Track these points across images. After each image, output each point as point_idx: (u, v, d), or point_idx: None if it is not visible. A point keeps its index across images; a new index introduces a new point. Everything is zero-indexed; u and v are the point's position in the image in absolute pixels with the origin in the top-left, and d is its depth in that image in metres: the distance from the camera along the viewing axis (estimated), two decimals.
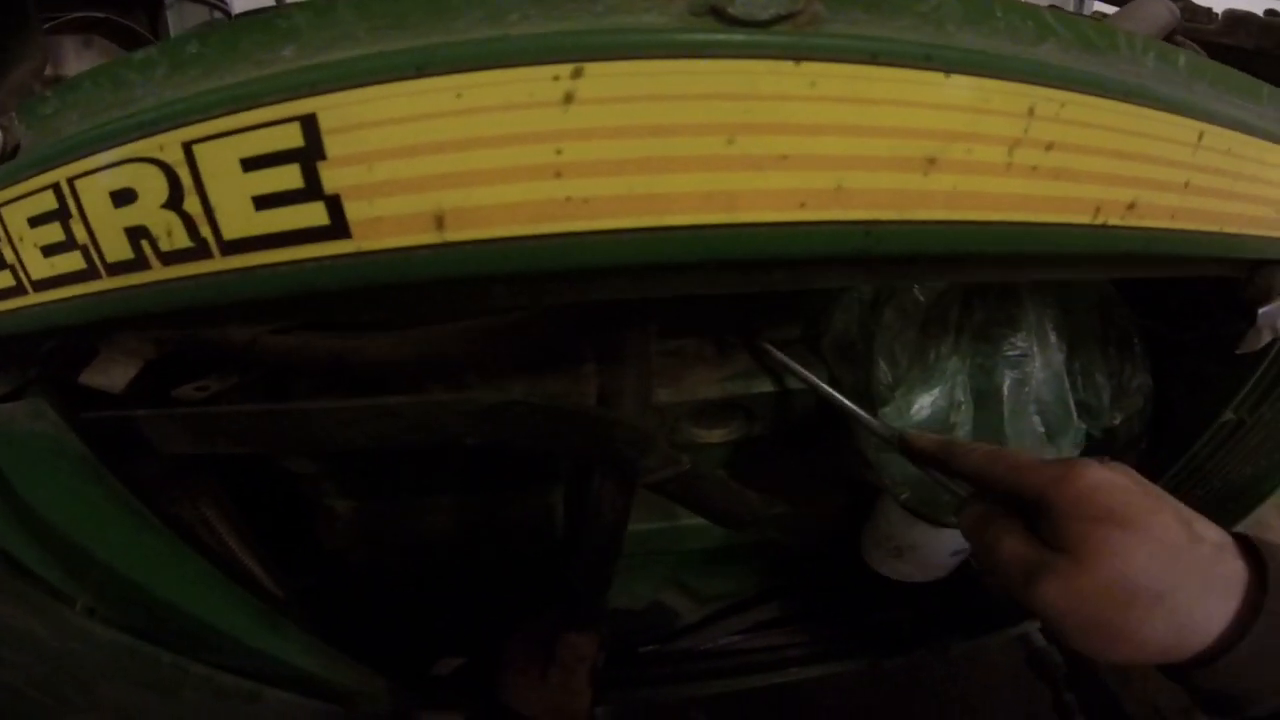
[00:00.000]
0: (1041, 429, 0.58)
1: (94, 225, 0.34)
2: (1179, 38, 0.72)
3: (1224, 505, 0.70)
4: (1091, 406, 0.61)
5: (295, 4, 0.33)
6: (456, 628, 0.75)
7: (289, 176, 0.31)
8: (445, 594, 0.76)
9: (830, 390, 0.57)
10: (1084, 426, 0.59)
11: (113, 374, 0.48)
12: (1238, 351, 0.55)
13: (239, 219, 0.32)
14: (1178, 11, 0.70)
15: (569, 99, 0.29)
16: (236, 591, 0.55)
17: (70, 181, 0.34)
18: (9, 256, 0.38)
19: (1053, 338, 0.59)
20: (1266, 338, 0.54)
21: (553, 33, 0.29)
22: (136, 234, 0.34)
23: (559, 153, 0.30)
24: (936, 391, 0.57)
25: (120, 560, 0.48)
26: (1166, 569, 0.36)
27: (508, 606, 0.71)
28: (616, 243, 0.31)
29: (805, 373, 0.58)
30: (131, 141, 0.32)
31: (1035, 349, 0.58)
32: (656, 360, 0.60)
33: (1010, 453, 0.45)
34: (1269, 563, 0.37)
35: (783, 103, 0.29)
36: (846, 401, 0.56)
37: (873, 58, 0.30)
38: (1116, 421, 0.61)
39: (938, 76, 0.31)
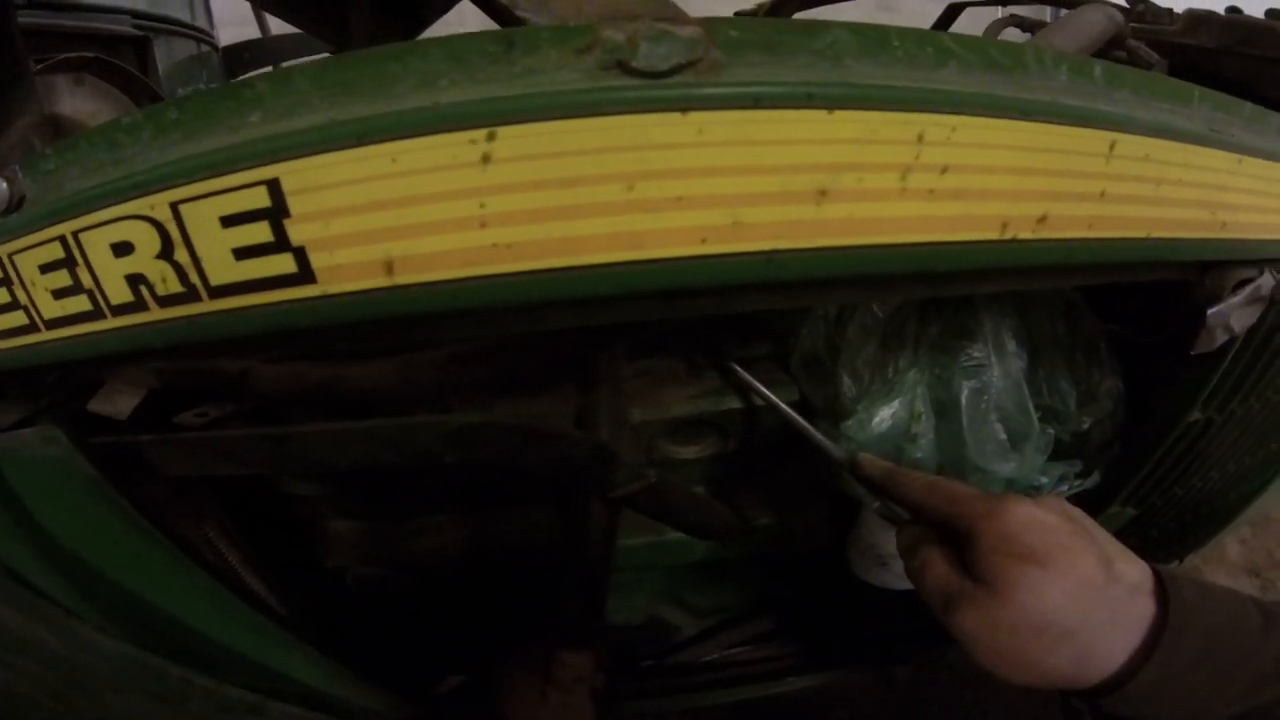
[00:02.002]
0: (1004, 436, 0.61)
1: (98, 272, 0.40)
2: (1131, 42, 0.75)
3: (1194, 516, 0.72)
4: (1058, 412, 0.64)
5: (259, 74, 0.38)
6: (457, 645, 0.80)
7: (261, 232, 0.36)
8: (445, 611, 0.80)
9: (788, 410, 0.61)
10: (1050, 432, 0.62)
11: (118, 402, 0.53)
12: (1192, 352, 0.57)
13: (222, 268, 0.37)
14: (1120, 19, 0.73)
15: (486, 159, 0.33)
16: (240, 608, 0.59)
17: (75, 235, 0.39)
18: (22, 299, 0.43)
19: (1011, 346, 0.62)
20: (1220, 338, 0.57)
21: (468, 101, 0.33)
22: (135, 280, 0.39)
23: (482, 206, 0.34)
24: (896, 404, 0.60)
25: (128, 578, 0.53)
26: (1077, 607, 0.40)
27: (508, 624, 0.75)
28: (540, 281, 0.35)
29: (766, 392, 0.62)
30: (127, 201, 0.37)
31: (993, 358, 0.61)
32: (629, 380, 0.64)
33: (948, 484, 0.48)
34: (1173, 600, 0.40)
35: (673, 150, 0.33)
36: (802, 421, 0.60)
37: (755, 102, 0.33)
38: (1085, 426, 0.64)
39: (820, 114, 0.35)
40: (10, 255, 0.42)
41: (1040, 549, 0.41)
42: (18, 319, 0.44)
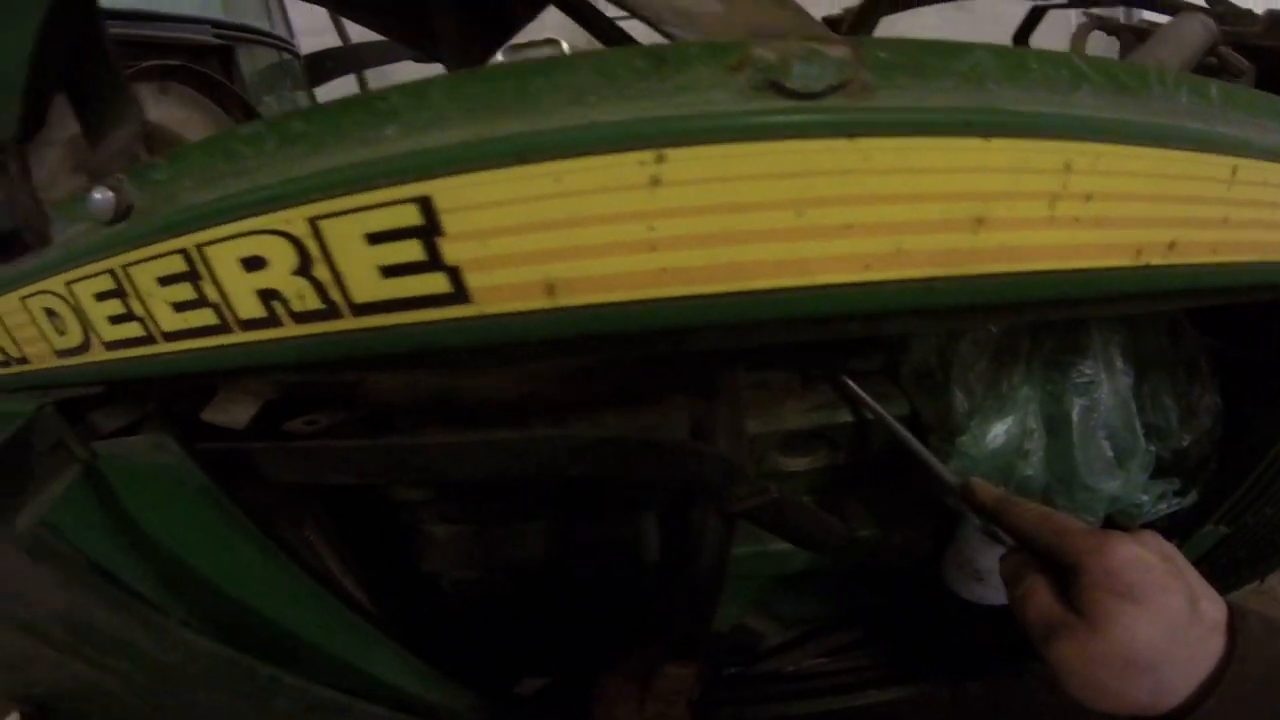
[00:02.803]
0: (1110, 453, 0.64)
1: (226, 287, 0.41)
2: (1222, 48, 0.78)
3: None
4: (1160, 429, 0.67)
5: (392, 87, 0.39)
6: (548, 649, 0.83)
7: (411, 250, 0.37)
8: (537, 616, 0.84)
9: (902, 430, 0.64)
10: (1153, 449, 0.65)
11: (235, 412, 0.57)
12: None
13: (367, 285, 0.39)
14: (1215, 27, 0.76)
15: (655, 182, 0.35)
16: (336, 610, 0.63)
17: (200, 248, 0.41)
18: (138, 310, 0.45)
19: (1119, 363, 0.65)
20: None
21: (635, 120, 0.35)
22: (268, 295, 0.40)
23: (651, 229, 0.36)
24: (1010, 420, 0.64)
25: (229, 580, 0.56)
26: (1163, 644, 0.45)
27: (599, 631, 0.79)
28: (705, 305, 0.38)
29: (881, 410, 0.65)
30: (259, 215, 0.38)
31: (1103, 375, 0.64)
32: (745, 393, 0.68)
33: (1058, 516, 0.53)
34: (1239, 635, 0.46)
35: (843, 176, 0.36)
36: (916, 442, 0.63)
37: (919, 129, 0.37)
38: (1185, 443, 0.67)
39: (978, 142, 0.37)
40: (125, 267, 0.44)
41: (1139, 587, 0.46)
42: (132, 330, 0.46)
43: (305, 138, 0.41)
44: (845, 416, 0.68)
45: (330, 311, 0.40)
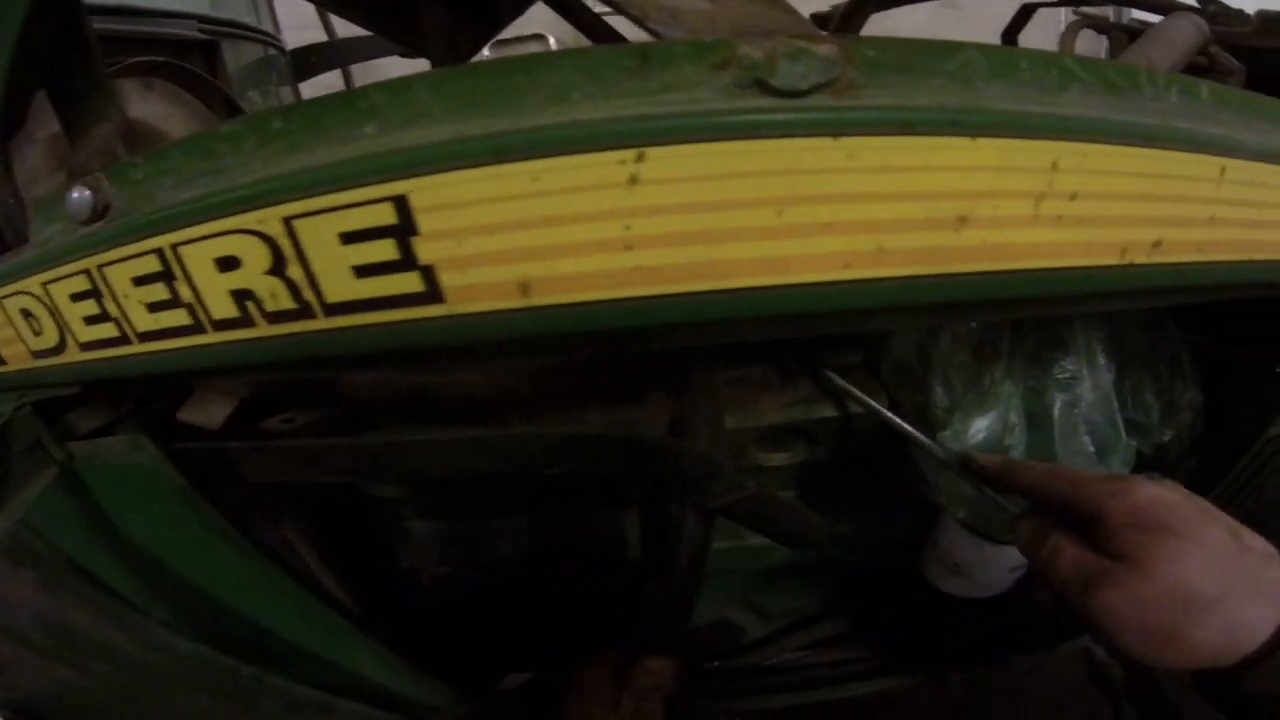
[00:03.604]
0: (1092, 449, 0.63)
1: (199, 287, 0.40)
2: (1212, 48, 0.77)
3: (1264, 524, 0.74)
4: (1141, 424, 0.66)
5: (373, 84, 0.38)
6: (526, 644, 0.82)
7: (385, 249, 0.36)
8: (517, 612, 0.83)
9: (891, 415, 0.63)
10: (1134, 444, 0.64)
11: (210, 412, 0.55)
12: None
13: (340, 285, 0.37)
14: (1206, 27, 0.75)
15: (634, 180, 0.34)
16: (316, 608, 0.61)
17: (174, 248, 0.40)
18: (113, 311, 0.44)
19: (1101, 359, 0.64)
20: None
21: (615, 118, 0.34)
22: (241, 295, 0.39)
23: (628, 228, 0.35)
24: (991, 415, 0.63)
25: (208, 580, 0.54)
26: (1219, 575, 0.41)
27: (579, 625, 0.78)
28: (682, 304, 0.36)
29: (866, 399, 0.64)
30: (233, 215, 0.37)
31: (1084, 371, 0.63)
32: (723, 388, 0.67)
33: (1067, 468, 0.50)
34: None
35: (825, 175, 0.35)
36: (908, 426, 0.62)
37: (905, 128, 0.35)
38: (1166, 438, 0.66)
39: (964, 141, 0.36)
40: (100, 267, 0.43)
41: (1173, 521, 0.43)
42: (107, 330, 0.45)
43: (283, 136, 0.39)
44: (825, 411, 0.67)
45: (303, 311, 0.39)
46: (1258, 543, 0.44)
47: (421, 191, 0.35)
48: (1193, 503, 0.45)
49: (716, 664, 0.88)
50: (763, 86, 0.36)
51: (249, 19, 1.76)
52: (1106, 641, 0.44)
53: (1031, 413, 0.63)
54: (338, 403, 0.61)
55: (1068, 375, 0.63)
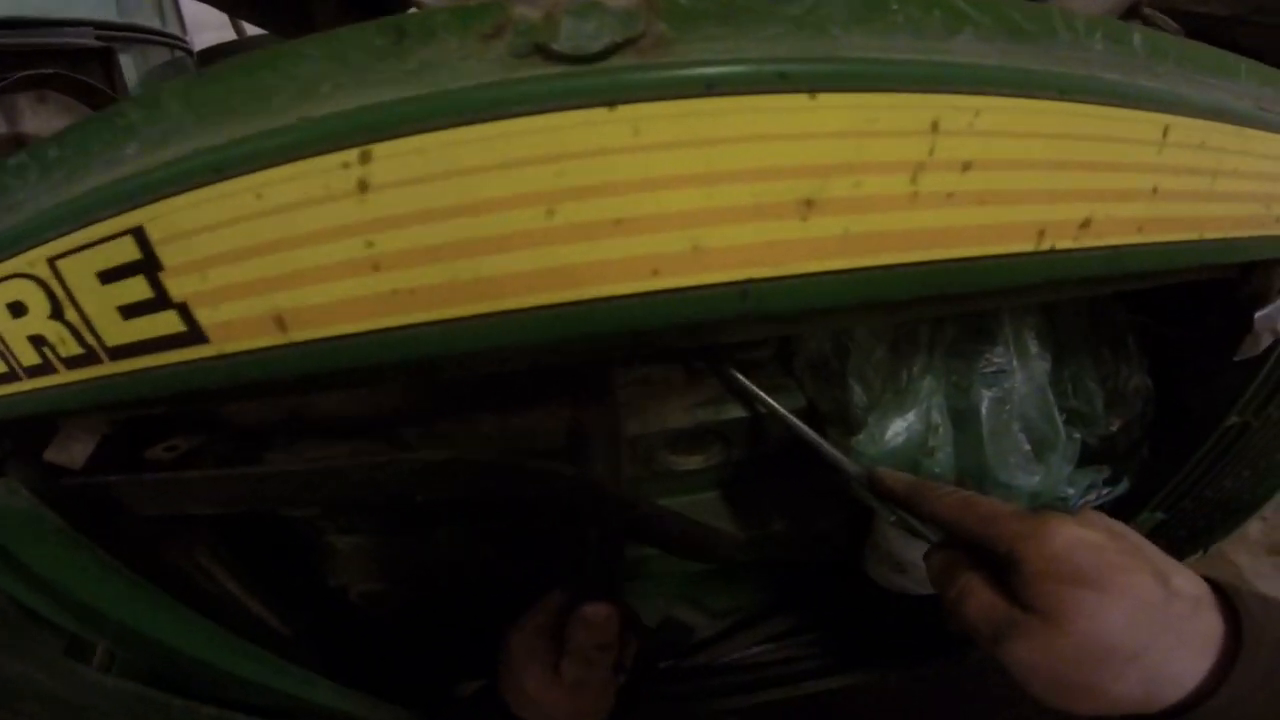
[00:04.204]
0: (1027, 447, 0.46)
1: (4, 334, 0.30)
2: (1146, 10, 0.57)
3: (1223, 513, 0.55)
4: (1085, 414, 0.48)
5: (130, 99, 0.27)
6: (471, 649, 0.67)
7: (140, 287, 0.26)
8: (455, 621, 0.68)
9: (797, 422, 0.47)
10: (1077, 437, 0.47)
11: (72, 451, 0.43)
12: (1236, 357, 0.41)
13: (114, 328, 0.27)
14: None
15: (363, 186, 0.21)
16: (241, 634, 0.49)
17: None
18: None
19: (1034, 348, 0.46)
20: (1266, 341, 0.42)
21: (331, 115, 0.21)
22: (38, 341, 0.29)
23: (370, 245, 0.22)
24: (911, 415, 0.46)
25: (124, 614, 0.43)
26: (1140, 628, 0.31)
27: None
28: (455, 331, 0.23)
29: (772, 403, 0.48)
30: (10, 258, 0.28)
31: (1015, 363, 0.46)
32: (624, 390, 0.51)
33: (982, 501, 0.37)
34: (1244, 617, 0.31)
35: (602, 158, 0.21)
36: (812, 434, 0.46)
37: (707, 87, 0.21)
38: (1114, 428, 0.48)
39: (800, 100, 0.22)
40: None
41: (1091, 570, 0.31)
42: None
43: (60, 164, 0.28)
44: (735, 412, 0.50)
45: (91, 356, 0.28)
46: (1188, 585, 0.32)
47: (155, 221, 0.24)
48: (1118, 543, 0.33)
49: (665, 664, 0.70)
50: (544, 53, 0.22)
51: (154, 22, 1.48)
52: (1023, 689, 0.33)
53: (957, 410, 0.46)
54: (222, 427, 0.48)
55: (994, 369, 0.46)
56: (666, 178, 0.21)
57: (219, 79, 0.26)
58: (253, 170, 0.22)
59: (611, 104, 0.20)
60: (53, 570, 0.41)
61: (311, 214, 0.22)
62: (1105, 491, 0.48)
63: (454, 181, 0.21)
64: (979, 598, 0.34)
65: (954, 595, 0.35)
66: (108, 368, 0.29)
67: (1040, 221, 0.28)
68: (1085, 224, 0.29)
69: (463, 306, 0.23)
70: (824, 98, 0.22)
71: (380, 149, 0.21)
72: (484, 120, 0.20)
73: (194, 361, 0.27)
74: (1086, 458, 0.49)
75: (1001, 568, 0.34)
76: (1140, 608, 0.31)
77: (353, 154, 0.21)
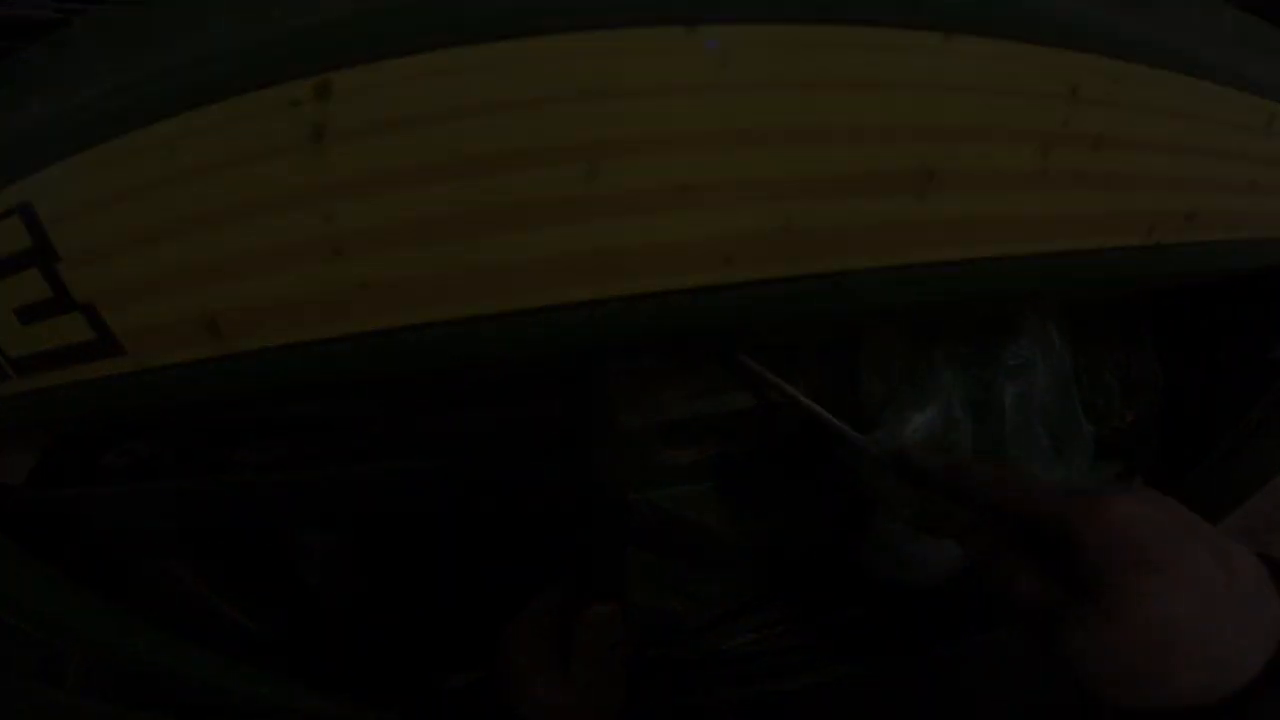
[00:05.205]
0: (1048, 442, 0.42)
1: None
2: None
3: (1244, 489, 0.54)
4: (1100, 408, 0.45)
5: (38, 44, 0.20)
6: (462, 643, 0.61)
7: (35, 283, 0.19)
8: (444, 612, 0.62)
9: (811, 404, 0.42)
10: (1093, 430, 0.44)
11: (14, 466, 0.36)
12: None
13: (12, 336, 0.21)
14: None
15: (319, 134, 0.14)
16: (215, 640, 0.43)
17: None
18: None
19: (1057, 340, 0.43)
20: None
21: (274, 31, 0.14)
22: None
23: (329, 219, 0.15)
24: (931, 410, 0.41)
25: (90, 630, 0.36)
26: (1205, 613, 0.27)
27: (507, 611, 0.55)
28: (450, 339, 0.17)
29: (785, 385, 0.43)
30: None
31: (1039, 355, 0.42)
32: (617, 379, 0.45)
33: (1029, 478, 0.32)
34: None
35: (667, 99, 0.14)
36: (829, 416, 0.41)
37: (821, 12, 0.14)
38: (1129, 420, 0.45)
39: (933, 38, 0.15)
40: None
41: (1152, 551, 0.28)
42: None
43: None
44: (737, 402, 0.44)
45: None
46: (1246, 565, 0.29)
47: (43, 194, 0.18)
48: (1175, 522, 0.29)
49: (655, 653, 0.66)
50: None
51: None
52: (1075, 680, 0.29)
53: (977, 404, 0.41)
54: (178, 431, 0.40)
55: (1019, 361, 0.41)
56: (754, 131, 0.15)
57: (143, 3, 0.18)
58: (166, 116, 0.15)
59: (692, 23, 0.14)
60: (19, 594, 0.33)
61: (246, 176, 0.15)
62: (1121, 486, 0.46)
63: (449, 127, 0.14)
64: (1028, 586, 0.30)
65: (1000, 580, 0.31)
66: (14, 385, 0.21)
67: (1151, 212, 0.23)
68: (1190, 217, 0.25)
69: (461, 306, 0.16)
70: (960, 40, 0.16)
71: (342, 79, 0.14)
72: (497, 37, 0.14)
73: (110, 379, 0.20)
74: (1097, 453, 0.47)
75: (1051, 548, 0.30)
76: (1203, 590, 0.28)
77: (304, 86, 0.14)
